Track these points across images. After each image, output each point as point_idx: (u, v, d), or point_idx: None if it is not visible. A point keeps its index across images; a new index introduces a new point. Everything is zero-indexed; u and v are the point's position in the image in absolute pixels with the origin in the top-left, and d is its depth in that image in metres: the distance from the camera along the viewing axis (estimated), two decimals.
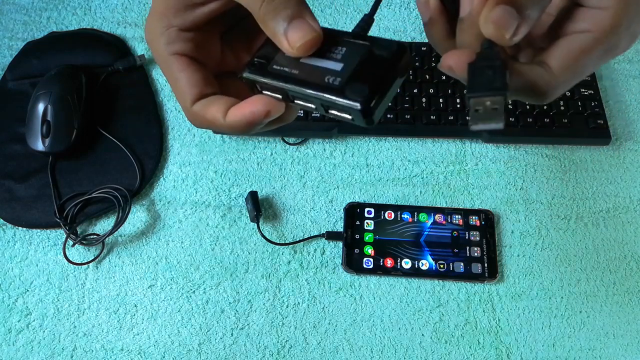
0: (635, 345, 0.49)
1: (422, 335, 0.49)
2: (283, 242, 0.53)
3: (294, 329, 0.49)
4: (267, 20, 0.26)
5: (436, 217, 0.53)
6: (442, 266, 0.51)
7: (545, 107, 0.58)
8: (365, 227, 0.53)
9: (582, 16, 0.25)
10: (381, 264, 0.51)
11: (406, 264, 0.51)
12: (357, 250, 0.52)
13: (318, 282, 0.51)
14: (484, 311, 0.50)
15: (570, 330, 0.49)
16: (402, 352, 0.48)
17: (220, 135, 0.58)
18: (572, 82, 0.26)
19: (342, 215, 0.54)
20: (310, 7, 0.26)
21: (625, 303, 0.50)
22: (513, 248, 0.53)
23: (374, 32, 0.64)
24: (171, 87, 0.27)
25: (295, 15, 0.26)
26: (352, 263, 0.51)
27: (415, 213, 0.53)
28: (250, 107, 0.26)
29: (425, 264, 0.51)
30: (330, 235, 0.52)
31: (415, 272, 0.51)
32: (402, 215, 0.53)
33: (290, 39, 0.26)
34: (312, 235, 0.53)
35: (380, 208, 0.54)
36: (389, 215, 0.53)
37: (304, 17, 0.26)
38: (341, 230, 0.53)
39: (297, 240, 0.53)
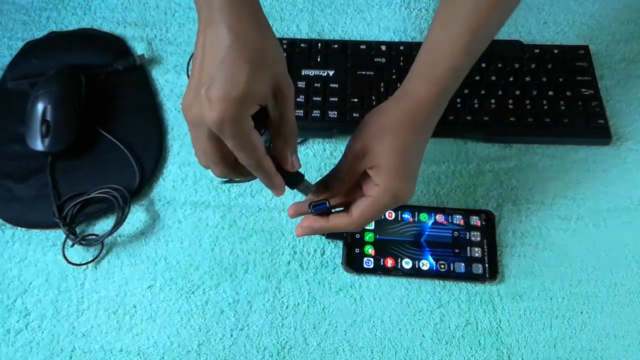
0: (636, 346, 0.48)
1: (423, 336, 0.49)
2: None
3: (294, 329, 0.49)
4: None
5: (437, 217, 0.53)
6: (442, 266, 0.51)
7: (545, 107, 0.58)
8: (366, 227, 0.52)
9: (368, 187, 0.42)
10: (381, 263, 0.51)
11: (407, 264, 0.51)
12: (357, 250, 0.51)
13: (318, 283, 0.51)
14: (484, 312, 0.50)
15: (571, 331, 0.49)
16: (403, 353, 0.48)
17: None
18: (365, 224, 0.43)
19: None
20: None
21: (626, 304, 0.50)
22: (514, 248, 0.53)
23: (374, 32, 0.64)
24: (247, 151, 0.35)
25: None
26: (353, 263, 0.51)
27: (416, 213, 0.53)
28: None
29: (425, 264, 0.51)
30: (331, 235, 0.52)
31: (415, 272, 0.51)
32: (403, 215, 0.53)
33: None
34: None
35: None
36: (390, 215, 0.53)
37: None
38: None
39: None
